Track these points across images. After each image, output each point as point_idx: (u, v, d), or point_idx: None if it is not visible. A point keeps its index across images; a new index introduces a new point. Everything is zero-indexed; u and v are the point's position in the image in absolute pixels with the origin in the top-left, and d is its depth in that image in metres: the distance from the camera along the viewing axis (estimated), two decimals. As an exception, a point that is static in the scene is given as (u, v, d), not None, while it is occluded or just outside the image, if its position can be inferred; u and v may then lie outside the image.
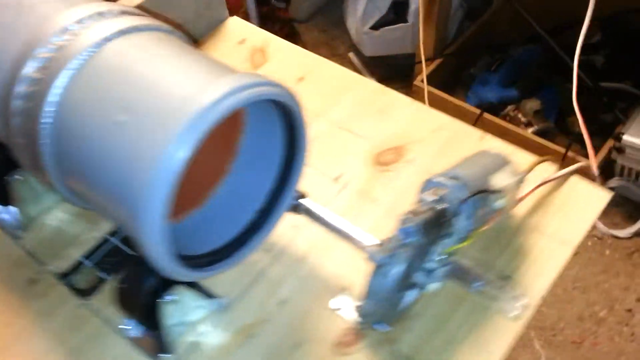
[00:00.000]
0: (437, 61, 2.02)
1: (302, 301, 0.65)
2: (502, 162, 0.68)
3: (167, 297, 0.59)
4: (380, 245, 0.57)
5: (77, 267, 0.70)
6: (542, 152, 1.62)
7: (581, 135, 0.84)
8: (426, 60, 1.93)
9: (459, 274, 0.66)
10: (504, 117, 1.93)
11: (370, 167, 0.77)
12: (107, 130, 0.51)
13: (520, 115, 1.95)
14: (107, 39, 0.55)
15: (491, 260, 0.67)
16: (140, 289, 0.57)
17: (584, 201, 0.72)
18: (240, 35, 0.95)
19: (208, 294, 0.64)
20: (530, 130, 1.88)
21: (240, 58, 0.91)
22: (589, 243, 1.78)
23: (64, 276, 0.69)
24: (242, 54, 0.92)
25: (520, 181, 0.67)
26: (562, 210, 0.71)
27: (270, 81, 0.55)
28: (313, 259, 0.69)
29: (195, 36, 0.93)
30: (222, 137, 0.65)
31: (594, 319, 1.65)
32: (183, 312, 0.61)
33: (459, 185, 0.60)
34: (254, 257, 0.69)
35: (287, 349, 0.62)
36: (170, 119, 0.48)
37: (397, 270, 0.56)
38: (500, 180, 0.64)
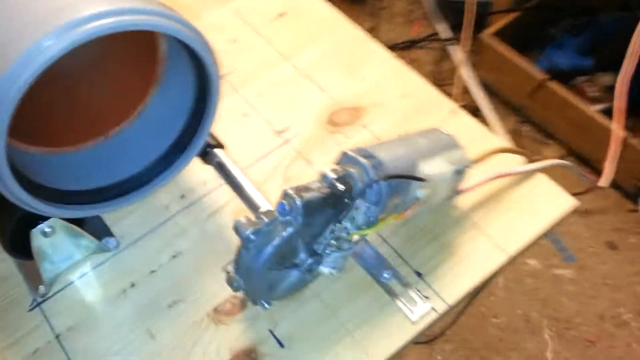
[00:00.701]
0: (514, 14, 1.84)
1: (197, 258, 0.61)
2: (448, 146, 0.60)
3: (43, 229, 0.56)
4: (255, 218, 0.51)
5: None
6: (602, 135, 1.47)
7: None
8: (502, 11, 1.77)
9: (367, 261, 0.60)
10: (571, 88, 1.75)
11: (320, 126, 0.70)
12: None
13: (590, 90, 1.76)
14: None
15: (411, 253, 0.60)
16: (6, 215, 0.54)
17: (541, 205, 0.62)
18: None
19: (97, 233, 0.60)
20: (596, 107, 1.70)
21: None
22: (633, 240, 1.62)
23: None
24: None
25: (460, 172, 0.58)
26: (512, 210, 0.62)
27: (177, 17, 0.49)
28: (225, 215, 0.64)
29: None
30: (135, 67, 0.60)
31: (615, 320, 1.52)
32: (64, 248, 0.58)
33: (370, 165, 0.53)
34: (165, 201, 0.65)
35: (162, 306, 0.58)
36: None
37: (266, 248, 0.50)
38: (434, 166, 0.56)
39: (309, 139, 0.69)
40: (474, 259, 0.59)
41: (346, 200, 0.52)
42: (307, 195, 0.50)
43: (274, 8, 0.81)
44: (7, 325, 0.57)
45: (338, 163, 0.55)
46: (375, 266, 0.59)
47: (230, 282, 0.53)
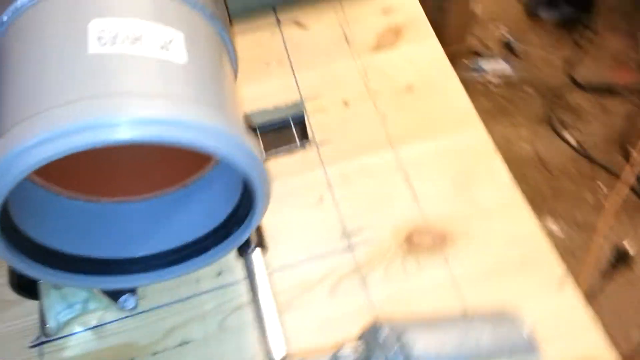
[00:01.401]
0: None
1: (205, 354, 0.55)
2: (520, 352, 0.47)
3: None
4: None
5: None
6: None
7: None
8: None
9: None
10: None
11: (395, 242, 0.60)
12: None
13: None
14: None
15: None
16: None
17: None
18: (389, 2, 0.77)
19: (111, 291, 0.56)
20: None
21: (371, 30, 0.74)
22: None
23: None
24: (377, 25, 0.74)
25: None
26: None
27: (235, 139, 0.42)
28: (251, 314, 0.57)
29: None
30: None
31: None
32: (76, 297, 0.55)
33: (397, 356, 0.43)
34: (199, 274, 0.59)
35: (148, 398, 0.53)
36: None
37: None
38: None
39: (376, 255, 0.59)
40: None
41: (353, 389, 0.43)
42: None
43: (406, 78, 0.70)
44: (1, 357, 0.56)
45: (365, 333, 0.46)
46: None
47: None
